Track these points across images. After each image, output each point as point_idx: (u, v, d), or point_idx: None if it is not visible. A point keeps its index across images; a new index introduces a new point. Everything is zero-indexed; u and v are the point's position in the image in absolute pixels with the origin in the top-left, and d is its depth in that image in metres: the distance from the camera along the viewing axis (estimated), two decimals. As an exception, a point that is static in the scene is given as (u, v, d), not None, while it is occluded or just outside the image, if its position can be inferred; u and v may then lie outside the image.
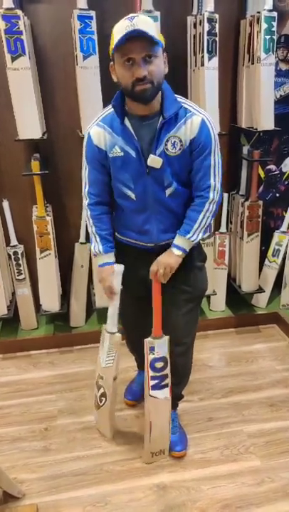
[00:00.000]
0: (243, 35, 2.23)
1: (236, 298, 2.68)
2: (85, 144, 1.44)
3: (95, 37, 1.95)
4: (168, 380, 1.56)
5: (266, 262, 2.66)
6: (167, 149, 1.34)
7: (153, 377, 1.54)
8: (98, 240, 1.52)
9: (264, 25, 2.04)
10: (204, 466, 1.71)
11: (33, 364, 2.36)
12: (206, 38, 2.02)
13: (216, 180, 1.41)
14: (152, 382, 1.54)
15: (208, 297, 2.65)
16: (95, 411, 1.78)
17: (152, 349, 1.51)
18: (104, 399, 1.67)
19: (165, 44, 1.27)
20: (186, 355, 1.72)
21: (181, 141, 1.34)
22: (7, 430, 1.91)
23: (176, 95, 1.37)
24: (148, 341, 1.52)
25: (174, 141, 1.33)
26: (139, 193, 1.40)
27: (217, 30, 2.05)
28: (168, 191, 1.40)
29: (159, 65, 1.25)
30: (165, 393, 1.56)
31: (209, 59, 2.06)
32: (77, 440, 1.85)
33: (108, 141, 1.38)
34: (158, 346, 1.52)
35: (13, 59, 1.90)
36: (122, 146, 1.36)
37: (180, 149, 1.34)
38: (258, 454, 1.76)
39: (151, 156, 1.33)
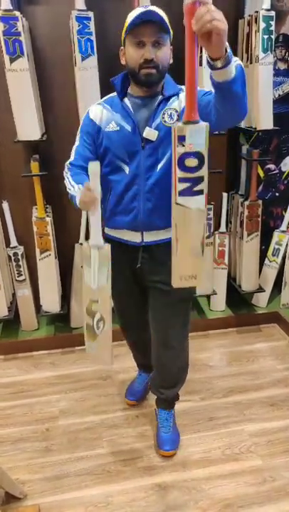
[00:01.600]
0: (241, 35, 2.23)
1: (236, 298, 2.68)
2: (83, 118, 1.51)
3: (94, 38, 1.95)
4: (203, 186, 1.15)
5: (266, 261, 2.66)
6: (165, 121, 1.38)
7: (182, 180, 1.13)
8: (75, 184, 1.47)
9: (262, 25, 2.04)
10: (205, 466, 1.71)
11: (35, 365, 2.36)
12: (204, 37, 2.02)
13: None
14: (181, 187, 1.13)
15: (208, 297, 2.66)
16: (90, 342, 1.50)
17: (182, 139, 1.09)
18: (101, 324, 1.45)
19: (171, 36, 1.34)
20: (177, 360, 1.70)
21: (176, 111, 1.39)
22: (9, 431, 1.91)
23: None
24: (177, 128, 1.08)
25: (171, 113, 1.39)
26: (133, 168, 1.42)
27: (215, 30, 2.05)
28: (160, 165, 1.41)
29: (166, 53, 1.33)
30: (198, 202, 1.16)
31: (208, 59, 2.06)
32: (78, 440, 1.85)
33: (104, 117, 1.43)
34: (191, 135, 1.09)
35: (12, 60, 1.91)
36: (119, 122, 1.41)
37: (177, 119, 1.39)
38: (260, 454, 1.76)
39: (147, 128, 1.38)
